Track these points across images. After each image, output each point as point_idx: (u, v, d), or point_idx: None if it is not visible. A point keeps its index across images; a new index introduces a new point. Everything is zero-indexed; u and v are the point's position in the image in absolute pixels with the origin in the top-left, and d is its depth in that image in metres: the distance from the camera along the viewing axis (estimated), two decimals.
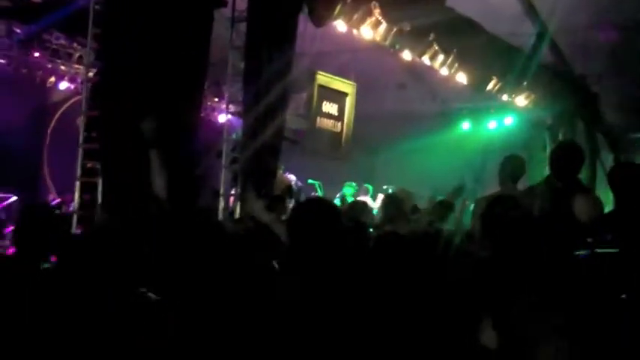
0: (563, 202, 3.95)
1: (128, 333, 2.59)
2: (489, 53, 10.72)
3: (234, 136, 9.13)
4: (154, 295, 2.79)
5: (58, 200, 12.10)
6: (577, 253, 3.01)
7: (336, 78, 11.18)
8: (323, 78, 10.78)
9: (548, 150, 11.46)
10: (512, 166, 5.50)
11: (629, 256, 2.88)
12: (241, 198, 8.10)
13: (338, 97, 11.15)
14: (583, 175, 11.61)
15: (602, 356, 2.50)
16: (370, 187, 12.95)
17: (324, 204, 2.94)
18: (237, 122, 9.29)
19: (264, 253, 3.43)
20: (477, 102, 14.20)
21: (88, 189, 7.38)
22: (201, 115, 8.78)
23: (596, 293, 2.65)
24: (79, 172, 7.57)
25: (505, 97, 12.19)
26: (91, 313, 2.61)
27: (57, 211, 8.07)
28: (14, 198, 10.64)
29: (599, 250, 2.99)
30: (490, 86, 11.40)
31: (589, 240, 3.12)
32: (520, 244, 2.69)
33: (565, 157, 4.55)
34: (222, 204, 8.63)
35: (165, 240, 3.05)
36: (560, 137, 12.61)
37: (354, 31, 9.25)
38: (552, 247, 2.80)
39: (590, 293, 2.65)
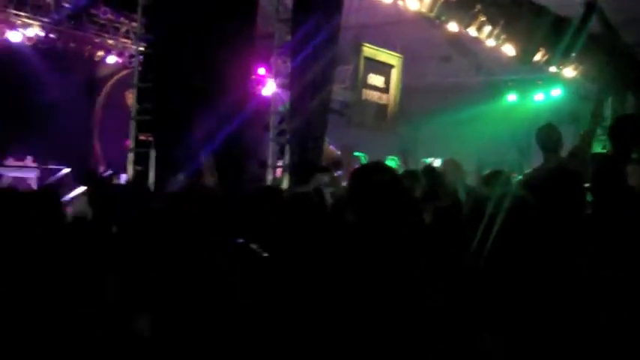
0: (616, 169, 3.93)
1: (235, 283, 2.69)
2: (537, 24, 10.55)
3: (281, 108, 9.21)
4: (262, 251, 2.89)
5: (109, 172, 12.37)
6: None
7: (382, 50, 11.15)
8: (369, 50, 10.77)
9: (596, 122, 11.31)
10: (553, 135, 5.44)
11: None
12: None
13: (384, 68, 11.13)
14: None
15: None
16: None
17: (385, 166, 2.99)
18: (284, 95, 9.36)
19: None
20: (524, 74, 14.00)
21: (140, 160, 7.54)
22: (249, 87, 8.86)
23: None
24: (132, 143, 7.73)
25: (553, 69, 12.01)
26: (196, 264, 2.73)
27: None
28: (67, 170, 10.90)
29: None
30: (537, 57, 11.24)
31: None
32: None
33: (622, 128, 4.49)
34: (269, 175, 8.74)
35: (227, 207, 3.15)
36: (609, 109, 12.39)
37: (400, 3, 9.20)
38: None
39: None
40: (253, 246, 2.89)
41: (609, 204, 3.03)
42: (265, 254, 2.87)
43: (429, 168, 7.44)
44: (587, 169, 4.40)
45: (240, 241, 2.90)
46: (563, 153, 5.59)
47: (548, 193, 2.74)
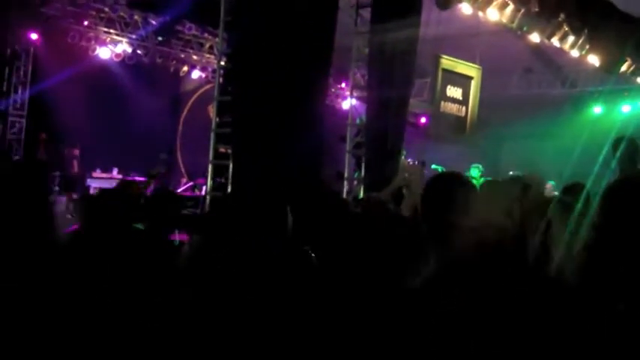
0: None
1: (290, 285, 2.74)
2: (623, 33, 10.23)
3: (358, 121, 9.25)
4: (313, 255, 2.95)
5: (191, 183, 12.69)
6: None
7: (461, 62, 11.02)
8: (447, 62, 10.66)
9: None
10: (630, 148, 5.26)
11: None
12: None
13: (462, 80, 10.99)
14: None
15: None
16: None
17: (459, 176, 2.97)
18: (361, 107, 9.40)
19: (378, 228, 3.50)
20: (610, 85, 13.58)
21: (219, 172, 7.69)
22: (326, 101, 8.95)
23: None
24: (211, 155, 7.90)
25: None
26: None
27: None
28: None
29: None
30: (624, 68, 10.91)
31: None
32: None
33: None
34: (345, 187, 8.78)
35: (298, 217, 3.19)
36: None
37: (480, 14, 9.10)
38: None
39: None
40: (309, 251, 2.93)
41: None
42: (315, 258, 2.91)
43: (516, 179, 7.30)
44: None
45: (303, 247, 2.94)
46: None
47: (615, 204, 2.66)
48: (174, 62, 12.91)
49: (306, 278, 2.84)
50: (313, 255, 3.00)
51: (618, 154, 5.24)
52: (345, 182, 8.81)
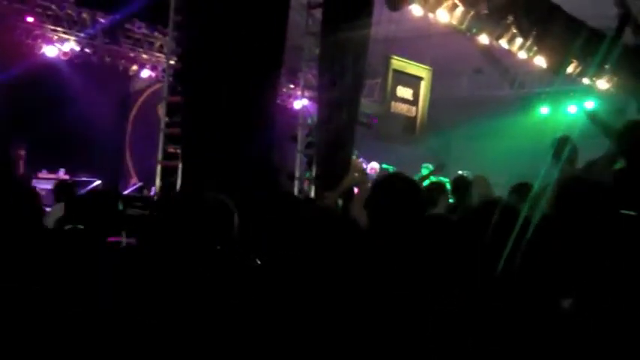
0: (630, 183, 3.86)
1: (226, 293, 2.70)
2: (569, 35, 10.45)
3: (309, 121, 9.25)
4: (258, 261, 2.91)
5: (139, 184, 12.52)
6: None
7: (411, 62, 11.12)
8: (398, 62, 10.74)
9: None
10: (570, 147, 5.35)
11: None
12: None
13: (413, 81, 11.09)
14: None
15: None
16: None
17: (405, 178, 3.00)
18: (313, 107, 9.40)
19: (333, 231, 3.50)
20: (557, 86, 13.85)
21: (168, 173, 7.61)
22: (277, 101, 8.91)
23: None
24: (160, 156, 7.81)
25: (586, 81, 11.87)
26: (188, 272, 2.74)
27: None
28: (98, 182, 11.04)
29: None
30: (570, 69, 11.14)
31: None
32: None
33: (632, 137, 4.37)
34: (296, 187, 8.77)
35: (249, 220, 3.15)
36: None
37: (430, 15, 9.18)
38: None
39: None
40: (248, 254, 2.91)
41: (632, 220, 2.97)
42: (258, 262, 2.88)
43: (460, 179, 7.41)
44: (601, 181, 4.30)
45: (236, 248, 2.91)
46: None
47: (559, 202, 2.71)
48: (123, 61, 12.71)
49: (244, 283, 2.80)
50: (257, 260, 2.97)
51: (558, 154, 5.34)
52: (296, 182, 8.80)
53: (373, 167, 11.15)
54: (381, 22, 8.88)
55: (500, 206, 2.57)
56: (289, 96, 14.23)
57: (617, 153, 4.51)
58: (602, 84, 11.99)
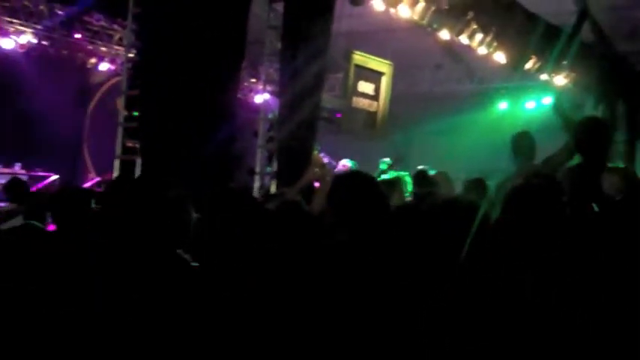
0: (586, 178, 3.92)
1: (165, 294, 2.65)
2: (528, 31, 10.56)
3: (270, 115, 9.20)
4: (194, 262, 2.87)
5: (98, 179, 12.34)
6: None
7: (373, 57, 11.13)
8: (359, 57, 10.75)
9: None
10: (527, 142, 5.41)
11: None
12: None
13: (374, 76, 11.11)
14: (620, 156, 11.47)
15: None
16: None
17: (363, 175, 3.00)
18: (274, 102, 9.34)
19: (296, 227, 3.47)
20: (515, 81, 14.01)
21: (127, 167, 7.49)
22: (238, 95, 8.85)
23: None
24: (118, 150, 7.69)
25: (544, 77, 12.02)
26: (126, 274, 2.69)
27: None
28: (55, 177, 10.86)
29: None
30: (529, 65, 11.25)
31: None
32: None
33: (589, 133, 4.44)
34: (257, 182, 8.72)
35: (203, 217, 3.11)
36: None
37: (391, 10, 9.19)
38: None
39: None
40: (185, 256, 2.87)
41: (586, 215, 3.02)
42: (194, 264, 2.85)
43: (421, 173, 7.45)
44: (557, 177, 4.37)
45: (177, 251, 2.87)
46: None
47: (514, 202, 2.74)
48: (81, 54, 12.50)
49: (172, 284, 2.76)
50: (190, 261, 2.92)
51: (516, 149, 5.40)
52: (257, 177, 8.75)
53: (345, 164, 11.10)
54: (343, 17, 8.87)
55: (460, 205, 2.59)
56: (250, 90, 14.15)
57: (574, 148, 4.59)
58: (560, 80, 12.14)
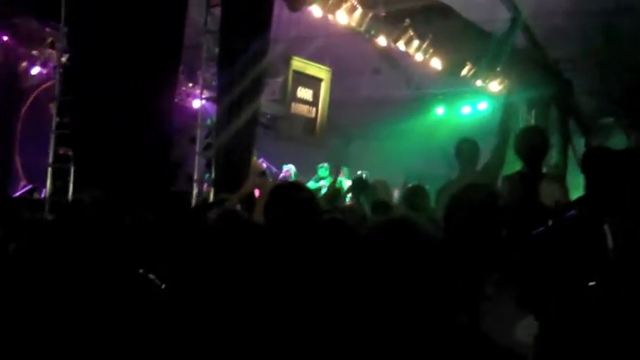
0: (528, 187, 4.00)
1: (120, 309, 2.60)
2: (464, 38, 10.75)
3: (208, 121, 9.09)
4: (152, 275, 2.82)
5: (29, 187, 11.96)
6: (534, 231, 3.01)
7: (311, 63, 11.16)
8: (298, 63, 10.76)
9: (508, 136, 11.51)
10: (470, 149, 5.50)
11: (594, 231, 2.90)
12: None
13: (313, 82, 11.14)
14: (555, 160, 11.76)
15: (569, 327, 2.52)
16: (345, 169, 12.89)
17: (298, 187, 2.99)
18: (212, 108, 9.24)
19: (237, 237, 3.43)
20: (452, 87, 14.23)
21: (60, 175, 7.27)
22: (175, 100, 8.71)
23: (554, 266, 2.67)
24: (51, 158, 7.46)
25: (479, 83, 12.24)
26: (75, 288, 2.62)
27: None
28: None
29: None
30: (464, 71, 11.45)
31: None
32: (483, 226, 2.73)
33: (528, 142, 4.57)
34: (195, 190, 8.60)
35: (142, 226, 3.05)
36: (533, 123, 12.68)
37: (330, 17, 9.21)
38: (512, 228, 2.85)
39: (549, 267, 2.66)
40: (151, 276, 2.82)
41: (523, 223, 3.05)
42: (162, 285, 2.80)
43: (359, 180, 7.49)
44: (496, 184, 4.47)
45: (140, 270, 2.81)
46: None
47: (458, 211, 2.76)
48: (12, 57, 12.13)
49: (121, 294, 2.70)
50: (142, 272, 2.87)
51: (459, 156, 5.47)
52: (195, 184, 8.62)
53: (288, 170, 11.08)
54: (282, 22, 8.85)
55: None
56: (188, 95, 13.97)
57: (503, 152, 4.72)
58: (494, 86, 12.39)
